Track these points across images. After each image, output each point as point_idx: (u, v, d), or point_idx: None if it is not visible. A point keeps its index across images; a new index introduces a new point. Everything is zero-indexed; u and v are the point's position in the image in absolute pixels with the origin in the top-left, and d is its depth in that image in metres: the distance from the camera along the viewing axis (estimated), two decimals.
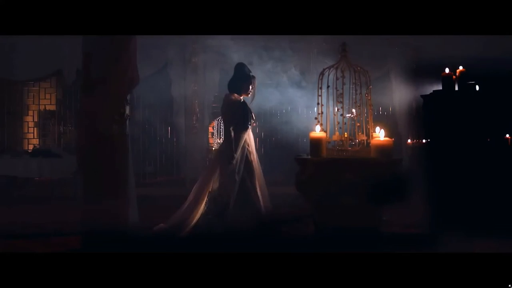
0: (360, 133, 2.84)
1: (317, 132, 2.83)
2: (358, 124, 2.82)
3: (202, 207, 4.79)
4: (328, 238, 2.93)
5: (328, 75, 2.83)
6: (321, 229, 2.79)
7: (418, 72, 8.51)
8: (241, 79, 4.86)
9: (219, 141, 6.52)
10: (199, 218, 4.78)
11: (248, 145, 4.72)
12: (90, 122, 3.78)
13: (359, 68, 2.90)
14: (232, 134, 4.55)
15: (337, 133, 2.86)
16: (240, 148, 4.63)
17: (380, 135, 2.78)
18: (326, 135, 2.85)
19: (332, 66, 2.93)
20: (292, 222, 4.13)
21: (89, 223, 3.79)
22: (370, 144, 2.81)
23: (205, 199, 4.75)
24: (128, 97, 3.97)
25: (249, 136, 4.78)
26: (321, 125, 2.84)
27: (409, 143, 8.05)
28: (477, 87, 5.56)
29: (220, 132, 6.47)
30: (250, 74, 4.86)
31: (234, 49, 8.10)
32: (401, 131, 8.97)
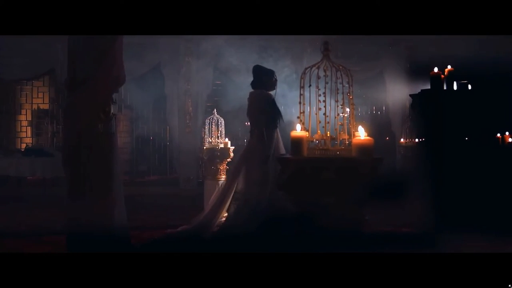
0: (342, 132, 2.84)
1: (298, 131, 2.84)
2: (340, 123, 2.83)
3: (226, 207, 4.75)
4: (311, 237, 2.94)
5: (310, 74, 2.83)
6: (303, 228, 2.80)
7: (411, 71, 8.52)
8: (266, 75, 4.83)
9: (210, 140, 6.50)
10: (222, 219, 4.74)
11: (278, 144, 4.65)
12: (76, 120, 3.78)
13: (341, 67, 2.90)
14: (265, 133, 4.48)
15: (318, 132, 2.86)
16: (272, 148, 4.53)
17: (360, 134, 2.78)
18: (308, 134, 2.85)
19: (314, 65, 2.93)
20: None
21: (73, 222, 3.79)
22: (352, 143, 2.82)
23: (230, 199, 4.70)
24: (114, 96, 3.97)
25: (278, 135, 4.70)
26: (302, 124, 2.85)
27: (402, 142, 8.06)
28: (470, 86, 5.58)
29: (211, 131, 6.46)
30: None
31: (228, 48, 8.12)
32: (395, 130, 9.00)
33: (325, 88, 2.83)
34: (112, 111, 3.84)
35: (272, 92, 4.82)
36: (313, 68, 2.88)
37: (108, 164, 3.83)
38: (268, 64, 8.47)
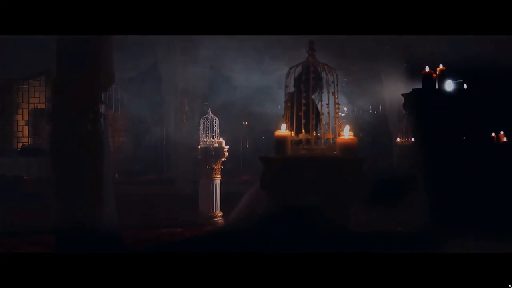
0: (326, 132, 2.84)
1: (283, 130, 2.83)
2: (325, 123, 2.82)
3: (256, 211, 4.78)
4: (295, 237, 2.93)
5: (295, 74, 2.82)
6: (287, 228, 2.80)
7: (408, 71, 8.50)
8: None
9: (205, 140, 6.51)
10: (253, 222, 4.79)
11: None
12: (64, 120, 3.78)
13: (326, 66, 2.89)
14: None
15: (303, 131, 2.85)
16: None
17: (344, 133, 2.77)
18: (293, 133, 2.85)
19: (299, 64, 2.93)
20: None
21: (62, 223, 3.79)
22: (336, 143, 2.81)
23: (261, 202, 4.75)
24: (103, 95, 3.97)
25: None
26: (287, 123, 2.84)
27: (398, 141, 8.06)
28: (465, 86, 5.55)
29: (206, 131, 6.47)
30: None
31: (225, 48, 8.12)
32: (392, 129, 8.99)
33: (309, 87, 2.83)
34: (101, 110, 3.85)
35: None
36: (298, 68, 2.88)
37: (96, 164, 3.83)
38: (264, 64, 8.50)
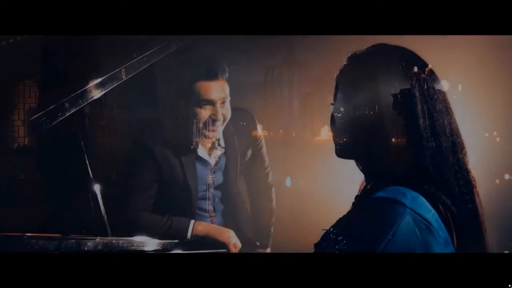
0: (306, 132, 2.84)
1: (260, 131, 2.83)
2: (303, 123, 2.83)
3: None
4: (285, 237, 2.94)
5: (273, 74, 2.82)
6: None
7: (404, 70, 8.47)
8: None
9: (198, 140, 6.53)
10: None
11: None
12: (49, 120, 3.80)
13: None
14: None
15: (281, 131, 2.85)
16: None
17: (322, 133, 2.76)
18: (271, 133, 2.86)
19: (278, 66, 2.92)
20: None
21: (49, 222, 3.82)
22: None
23: None
24: (90, 96, 3.98)
25: None
26: (264, 123, 2.85)
27: (393, 141, 8.04)
28: (460, 86, 5.53)
29: (198, 131, 6.48)
30: None
31: (220, 48, 8.11)
32: (387, 129, 8.95)
33: (289, 87, 2.82)
34: (85, 110, 3.86)
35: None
36: (276, 68, 2.89)
37: (81, 165, 3.85)
38: (259, 63, 8.50)
